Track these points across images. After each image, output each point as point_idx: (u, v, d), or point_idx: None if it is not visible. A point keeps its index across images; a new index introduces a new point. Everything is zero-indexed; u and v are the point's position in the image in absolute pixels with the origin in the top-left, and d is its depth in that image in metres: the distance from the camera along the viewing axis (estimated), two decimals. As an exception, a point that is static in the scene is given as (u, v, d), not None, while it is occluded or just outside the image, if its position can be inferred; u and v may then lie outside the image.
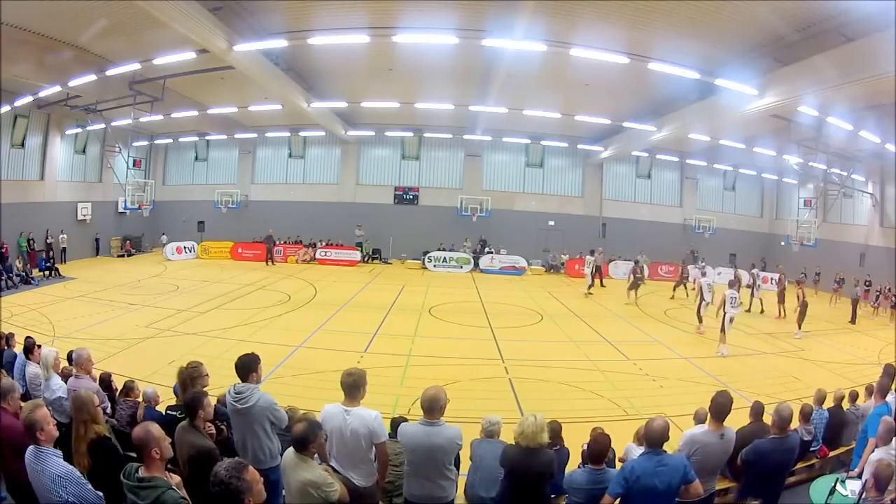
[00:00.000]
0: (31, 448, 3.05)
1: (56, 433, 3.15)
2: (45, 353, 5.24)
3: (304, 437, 3.27)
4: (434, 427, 3.67)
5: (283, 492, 3.44)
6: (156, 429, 2.86)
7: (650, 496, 3.43)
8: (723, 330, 11.77)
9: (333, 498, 3.24)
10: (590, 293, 18.85)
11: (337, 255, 24.04)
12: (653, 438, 3.55)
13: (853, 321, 16.42)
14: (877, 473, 3.64)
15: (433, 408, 3.67)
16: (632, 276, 17.88)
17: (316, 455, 3.50)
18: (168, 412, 4.82)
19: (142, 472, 2.76)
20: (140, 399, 5.35)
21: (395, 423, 4.45)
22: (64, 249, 20.71)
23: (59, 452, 3.08)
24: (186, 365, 4.41)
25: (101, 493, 3.02)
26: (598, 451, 3.80)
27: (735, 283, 12.96)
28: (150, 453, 2.77)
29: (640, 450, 3.78)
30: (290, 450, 3.35)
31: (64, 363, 5.68)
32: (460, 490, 4.19)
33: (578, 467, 4.35)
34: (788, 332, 14.25)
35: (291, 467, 3.29)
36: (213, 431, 3.97)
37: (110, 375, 6.00)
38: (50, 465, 2.97)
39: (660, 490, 3.44)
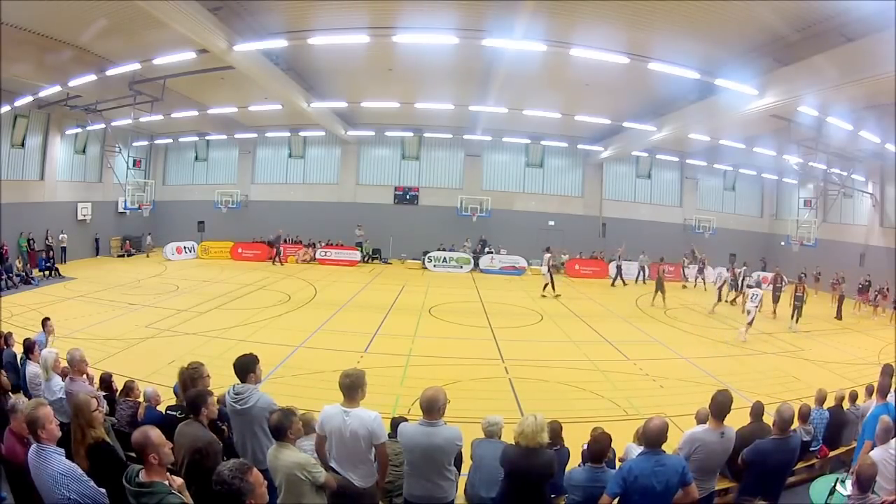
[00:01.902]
0: (33, 446, 3.07)
1: (58, 433, 3.15)
2: (45, 354, 5.25)
3: (279, 425, 3.31)
4: (433, 428, 3.67)
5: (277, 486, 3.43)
6: (155, 434, 2.80)
7: (648, 496, 3.44)
8: (749, 322, 13.28)
9: (321, 479, 3.28)
10: (553, 294, 17.88)
11: (337, 255, 24.03)
12: (651, 438, 3.55)
13: (837, 317, 16.99)
14: (859, 472, 3.53)
15: (432, 408, 3.67)
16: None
17: (309, 447, 3.51)
18: (168, 412, 4.83)
19: (142, 477, 2.72)
20: (140, 399, 5.36)
21: (395, 423, 4.46)
22: (64, 249, 20.70)
23: (61, 451, 3.08)
24: (187, 365, 4.39)
25: (103, 490, 3.02)
26: (599, 450, 3.83)
27: (755, 285, 14.69)
28: (149, 458, 2.73)
29: (640, 449, 3.78)
30: (273, 445, 3.38)
31: (64, 363, 5.68)
32: (460, 490, 4.19)
33: (578, 466, 4.36)
34: (786, 330, 14.31)
35: (275, 456, 3.33)
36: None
37: (111, 375, 6.00)
38: (52, 463, 2.97)
39: (658, 490, 3.44)
